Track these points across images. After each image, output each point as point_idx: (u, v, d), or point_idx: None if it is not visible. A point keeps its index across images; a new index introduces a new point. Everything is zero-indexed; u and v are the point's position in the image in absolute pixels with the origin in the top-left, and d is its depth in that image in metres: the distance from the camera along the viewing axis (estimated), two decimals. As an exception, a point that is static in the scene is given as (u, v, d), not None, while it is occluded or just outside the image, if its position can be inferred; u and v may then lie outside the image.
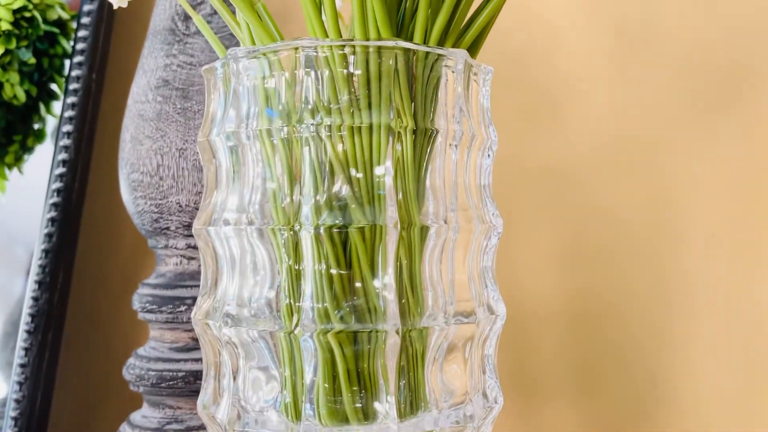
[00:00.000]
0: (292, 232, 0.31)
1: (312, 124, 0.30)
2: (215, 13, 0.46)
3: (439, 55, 0.32)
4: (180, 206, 0.44)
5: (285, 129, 0.31)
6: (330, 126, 0.30)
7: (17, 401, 0.53)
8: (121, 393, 0.57)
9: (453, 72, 0.33)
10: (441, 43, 0.33)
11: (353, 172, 0.31)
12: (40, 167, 0.61)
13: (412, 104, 0.32)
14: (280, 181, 0.31)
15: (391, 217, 0.30)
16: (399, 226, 0.30)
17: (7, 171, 0.64)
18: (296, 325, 0.30)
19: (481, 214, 0.34)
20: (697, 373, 0.51)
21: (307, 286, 0.30)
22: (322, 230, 0.30)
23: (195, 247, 0.46)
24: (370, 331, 0.30)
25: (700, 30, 0.52)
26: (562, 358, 0.54)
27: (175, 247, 0.46)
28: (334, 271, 0.30)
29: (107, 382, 0.61)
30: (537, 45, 0.56)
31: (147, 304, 0.45)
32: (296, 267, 0.31)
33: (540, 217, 0.55)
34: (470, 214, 0.34)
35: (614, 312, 0.53)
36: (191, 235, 0.46)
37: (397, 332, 0.30)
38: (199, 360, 0.45)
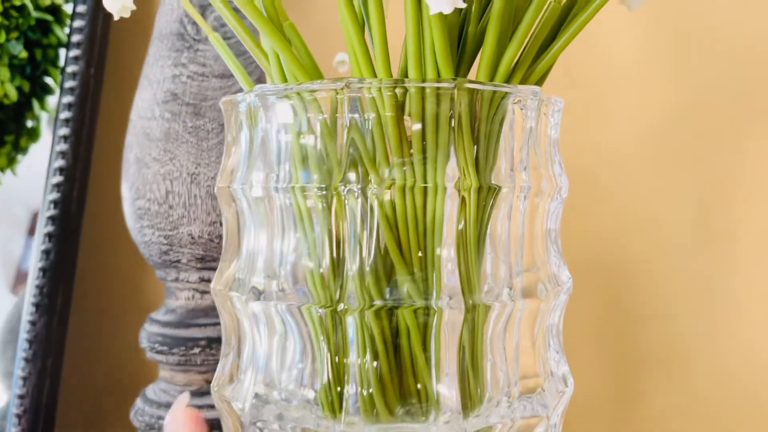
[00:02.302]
0: (333, 313, 0.26)
1: (355, 185, 0.25)
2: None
3: (506, 92, 0.27)
4: (192, 238, 0.39)
5: (324, 187, 0.26)
6: (377, 186, 0.25)
7: (16, 436, 0.48)
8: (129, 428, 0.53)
9: (522, 109, 0.28)
10: (508, 79, 0.27)
11: (404, 238, 0.26)
12: (37, 165, 0.56)
13: (475, 153, 0.26)
14: (317, 250, 0.26)
15: (454, 297, 0.25)
16: (463, 306, 0.25)
17: (-1, 174, 0.58)
18: None
19: (549, 273, 0.29)
20: (743, 381, 0.47)
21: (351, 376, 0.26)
22: (367, 314, 0.25)
23: (209, 281, 0.41)
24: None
25: (750, 25, 0.47)
26: (596, 368, 0.50)
27: (187, 281, 0.41)
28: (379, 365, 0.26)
29: (114, 417, 0.57)
30: (583, 45, 0.51)
31: (156, 344, 0.41)
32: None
33: (571, 221, 0.50)
34: (538, 275, 0.29)
35: (650, 323, 0.49)
36: (205, 268, 0.41)
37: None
38: (214, 407, 0.41)
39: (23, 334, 0.49)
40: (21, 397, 0.49)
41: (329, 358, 0.26)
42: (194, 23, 0.40)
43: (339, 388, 0.26)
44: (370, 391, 0.26)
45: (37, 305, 0.50)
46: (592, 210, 0.50)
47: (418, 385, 0.26)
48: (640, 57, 0.50)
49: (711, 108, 0.48)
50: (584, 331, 0.51)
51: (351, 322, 0.25)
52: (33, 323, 0.49)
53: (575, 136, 0.50)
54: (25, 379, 0.49)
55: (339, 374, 0.26)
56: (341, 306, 0.25)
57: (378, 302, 0.25)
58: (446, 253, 0.25)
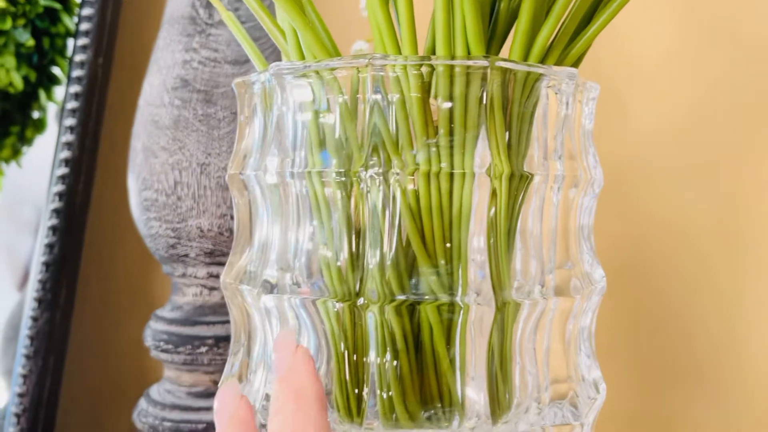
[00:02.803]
0: (351, 308, 0.24)
1: (376, 171, 0.23)
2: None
3: (541, 74, 0.25)
4: (201, 231, 0.38)
5: (343, 173, 0.24)
6: (400, 172, 0.23)
7: (15, 436, 0.47)
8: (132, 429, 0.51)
9: (556, 93, 0.26)
10: (543, 59, 0.25)
11: (428, 228, 0.24)
12: (43, 158, 0.55)
13: (507, 139, 0.24)
14: (334, 240, 0.24)
15: (482, 293, 0.23)
16: (493, 302, 0.23)
17: (4, 166, 0.57)
18: None
19: (583, 270, 0.27)
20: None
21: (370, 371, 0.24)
22: (388, 309, 0.23)
23: (218, 276, 0.39)
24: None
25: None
26: (620, 376, 0.48)
27: (195, 276, 0.39)
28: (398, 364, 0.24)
29: (116, 418, 0.55)
30: (607, 39, 0.49)
31: (162, 343, 0.39)
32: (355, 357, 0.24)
33: (598, 224, 0.48)
34: (571, 272, 0.27)
35: (676, 331, 0.47)
36: (214, 263, 0.39)
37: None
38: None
39: (25, 330, 0.48)
40: (21, 395, 0.47)
41: (347, 357, 0.24)
42: (206, 7, 0.38)
43: (357, 390, 0.24)
44: (390, 393, 0.24)
45: (39, 300, 0.48)
46: (616, 211, 0.48)
47: (442, 388, 0.24)
48: (666, 53, 0.48)
49: (740, 108, 0.46)
50: (607, 338, 0.49)
51: (371, 318, 0.23)
52: (35, 319, 0.48)
53: (606, 133, 0.48)
54: (25, 376, 0.47)
55: (357, 374, 0.24)
56: (361, 300, 0.23)
57: (399, 297, 0.23)
58: (476, 243, 0.23)
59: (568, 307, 0.26)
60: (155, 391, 0.41)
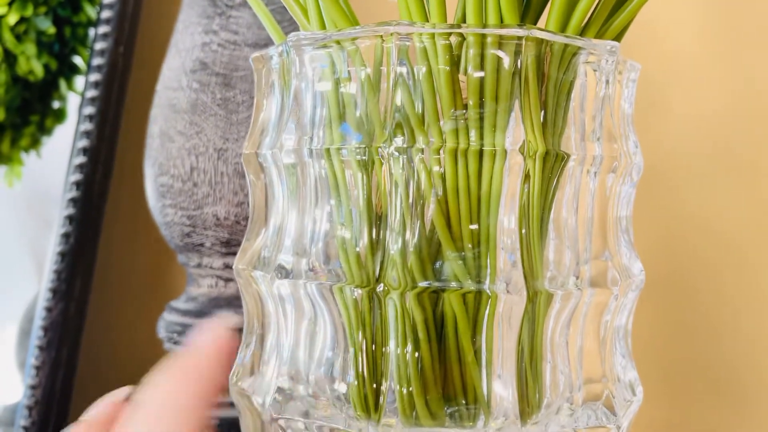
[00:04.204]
0: (370, 294, 0.22)
1: (400, 148, 0.22)
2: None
3: (579, 48, 0.23)
4: (217, 219, 0.36)
5: (364, 150, 0.22)
6: (426, 148, 0.22)
7: (25, 429, 0.46)
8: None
9: (595, 71, 0.24)
10: (581, 32, 0.24)
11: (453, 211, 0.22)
12: (61, 151, 0.54)
13: (542, 116, 0.23)
14: (353, 222, 0.23)
15: (513, 281, 0.22)
16: (524, 291, 0.22)
17: (23, 155, 0.56)
18: None
19: (621, 263, 0.25)
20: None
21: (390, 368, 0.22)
22: (409, 297, 0.22)
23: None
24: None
25: None
26: (649, 372, 0.46)
27: (211, 267, 0.38)
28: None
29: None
30: (641, 34, 0.47)
31: (174, 334, 0.38)
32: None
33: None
34: (608, 263, 0.25)
35: (712, 338, 0.45)
36: (230, 254, 0.37)
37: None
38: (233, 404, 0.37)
39: (38, 321, 0.47)
40: (33, 387, 0.46)
41: (365, 347, 0.22)
42: (227, -12, 0.37)
43: (374, 385, 0.22)
44: (411, 389, 0.22)
45: (54, 291, 0.47)
46: (652, 210, 0.46)
47: (466, 384, 0.22)
48: (704, 47, 0.45)
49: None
50: (640, 340, 0.46)
51: (391, 305, 0.21)
52: (49, 309, 0.47)
53: (639, 131, 0.46)
54: (38, 368, 0.46)
55: (375, 367, 0.22)
56: (380, 287, 0.22)
57: (422, 284, 0.22)
58: (506, 225, 0.21)
59: (603, 301, 0.25)
60: (168, 385, 0.39)
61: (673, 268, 0.46)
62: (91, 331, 0.51)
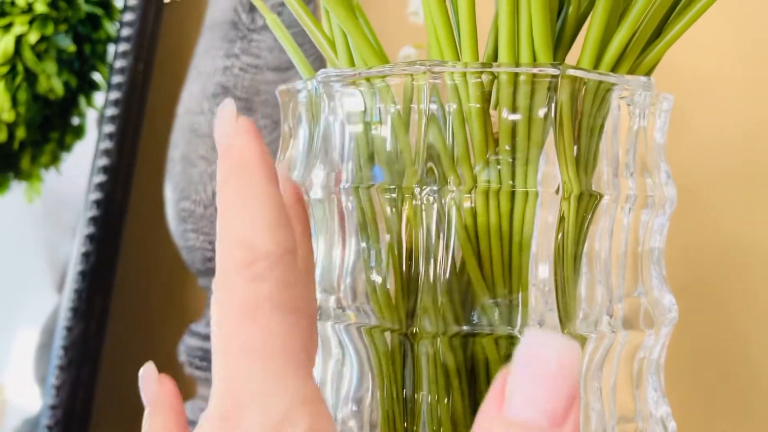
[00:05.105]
0: (401, 338, 0.22)
1: (431, 188, 0.21)
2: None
3: (613, 84, 0.23)
4: (239, 245, 0.36)
5: (395, 189, 0.22)
6: (457, 188, 0.21)
7: (46, 449, 0.46)
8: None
9: (629, 105, 0.24)
10: (614, 68, 0.23)
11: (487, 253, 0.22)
12: (80, 166, 0.54)
13: (575, 154, 0.22)
14: (383, 262, 0.22)
15: (546, 324, 0.21)
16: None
17: (43, 172, 0.56)
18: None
19: (654, 298, 0.25)
20: None
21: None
22: (440, 341, 0.21)
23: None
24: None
25: None
26: (672, 386, 0.45)
27: (232, 291, 0.38)
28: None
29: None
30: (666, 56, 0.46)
31: (196, 359, 0.37)
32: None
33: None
34: (640, 300, 0.25)
35: (737, 347, 0.44)
36: (251, 278, 0.37)
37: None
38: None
39: (58, 341, 0.47)
40: (53, 407, 0.46)
41: (396, 392, 0.22)
42: (249, 11, 0.37)
43: (405, 424, 0.22)
44: (441, 432, 0.22)
45: (74, 310, 0.47)
46: (685, 232, 0.45)
47: None
48: (727, 63, 0.45)
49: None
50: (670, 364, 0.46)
51: (423, 350, 0.21)
52: (69, 329, 0.47)
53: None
54: (58, 388, 0.46)
55: (405, 412, 0.22)
56: (413, 329, 0.21)
57: (454, 328, 0.21)
58: (542, 270, 0.21)
59: (638, 342, 0.24)
60: (188, 409, 0.39)
61: (702, 278, 0.45)
62: (111, 350, 0.51)
